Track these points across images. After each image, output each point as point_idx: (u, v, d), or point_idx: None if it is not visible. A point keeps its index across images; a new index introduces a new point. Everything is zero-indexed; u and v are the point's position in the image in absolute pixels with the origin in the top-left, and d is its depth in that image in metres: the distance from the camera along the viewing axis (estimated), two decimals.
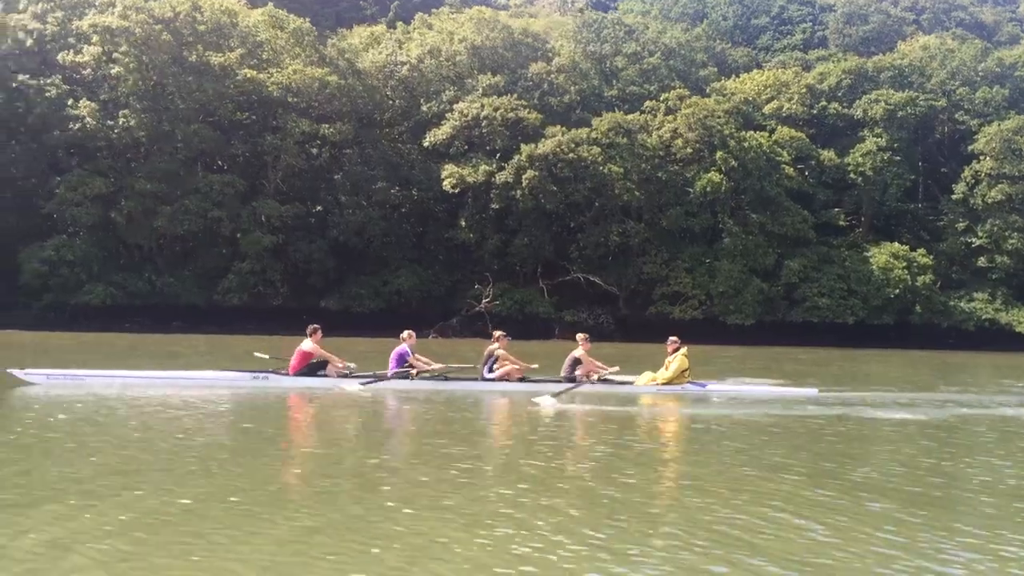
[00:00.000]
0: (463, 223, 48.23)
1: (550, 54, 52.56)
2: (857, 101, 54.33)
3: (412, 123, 50.32)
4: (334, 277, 47.31)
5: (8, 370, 13.92)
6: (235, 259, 45.14)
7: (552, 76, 50.58)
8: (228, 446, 8.93)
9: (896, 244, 50.93)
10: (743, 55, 64.30)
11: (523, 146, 46.82)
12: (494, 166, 46.99)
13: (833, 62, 58.80)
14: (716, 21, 69.46)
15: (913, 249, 50.74)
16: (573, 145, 46.91)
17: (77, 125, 41.32)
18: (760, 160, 49.58)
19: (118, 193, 42.89)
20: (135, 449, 8.36)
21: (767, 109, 53.71)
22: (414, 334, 15.93)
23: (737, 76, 58.58)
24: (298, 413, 12.60)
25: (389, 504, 6.15)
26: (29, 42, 42.66)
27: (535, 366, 16.61)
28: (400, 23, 58.17)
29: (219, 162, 46.50)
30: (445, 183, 47.11)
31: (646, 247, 49.57)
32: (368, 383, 14.70)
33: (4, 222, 42.52)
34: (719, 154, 48.93)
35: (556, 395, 13.60)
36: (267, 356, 17.13)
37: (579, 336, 16.61)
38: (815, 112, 54.83)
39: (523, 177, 46.19)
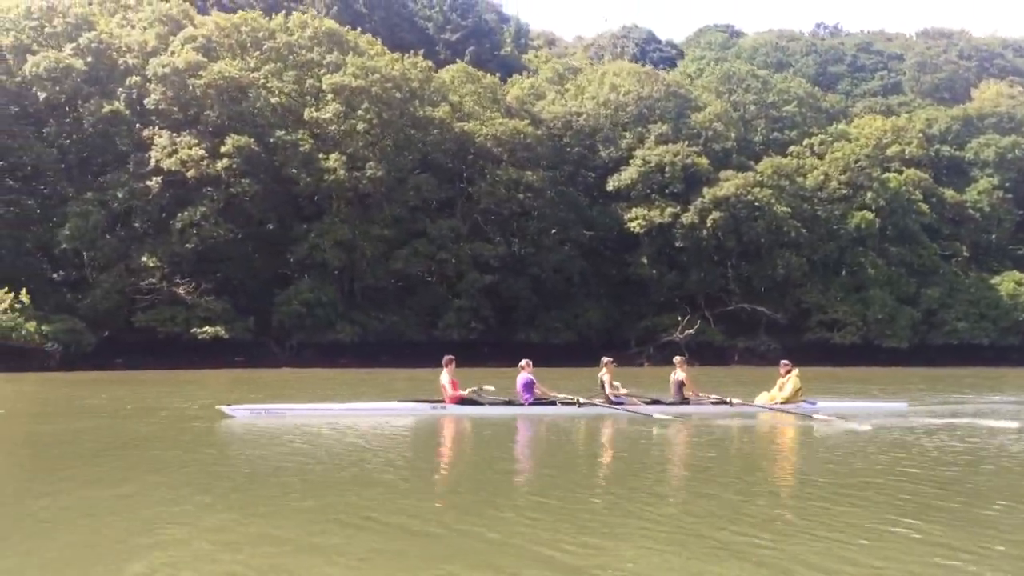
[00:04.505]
0: (644, 260, 52.63)
1: (700, 104, 57.60)
2: (968, 144, 60.85)
3: (591, 168, 54.69)
4: (532, 312, 51.14)
5: (217, 406, 14.97)
6: (452, 297, 48.64)
7: (714, 124, 55.58)
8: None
9: (1016, 272, 57.14)
10: (837, 100, 70.35)
11: (705, 189, 51.63)
12: (678, 208, 51.64)
13: (932, 109, 65.43)
14: (800, 69, 75.59)
15: None
16: (748, 188, 51.92)
17: (331, 177, 44.52)
18: (902, 199, 55.40)
19: (355, 238, 46.09)
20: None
21: (890, 152, 59.62)
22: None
23: (847, 121, 64.54)
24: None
25: None
26: (274, 100, 45.76)
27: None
28: (525, 72, 62.81)
29: (435, 208, 49.98)
30: (632, 224, 51.63)
31: (803, 279, 54.72)
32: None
33: (255, 266, 45.41)
34: (869, 194, 54.58)
35: (679, 417, 15.31)
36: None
37: (676, 359, 17.68)
38: (931, 154, 61.05)
39: (707, 218, 50.98)
